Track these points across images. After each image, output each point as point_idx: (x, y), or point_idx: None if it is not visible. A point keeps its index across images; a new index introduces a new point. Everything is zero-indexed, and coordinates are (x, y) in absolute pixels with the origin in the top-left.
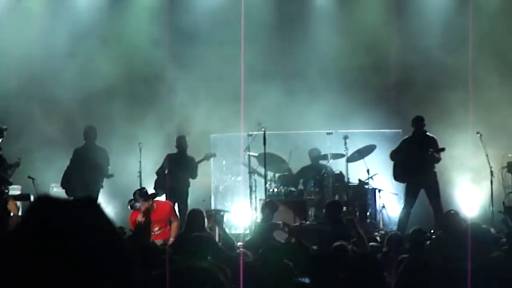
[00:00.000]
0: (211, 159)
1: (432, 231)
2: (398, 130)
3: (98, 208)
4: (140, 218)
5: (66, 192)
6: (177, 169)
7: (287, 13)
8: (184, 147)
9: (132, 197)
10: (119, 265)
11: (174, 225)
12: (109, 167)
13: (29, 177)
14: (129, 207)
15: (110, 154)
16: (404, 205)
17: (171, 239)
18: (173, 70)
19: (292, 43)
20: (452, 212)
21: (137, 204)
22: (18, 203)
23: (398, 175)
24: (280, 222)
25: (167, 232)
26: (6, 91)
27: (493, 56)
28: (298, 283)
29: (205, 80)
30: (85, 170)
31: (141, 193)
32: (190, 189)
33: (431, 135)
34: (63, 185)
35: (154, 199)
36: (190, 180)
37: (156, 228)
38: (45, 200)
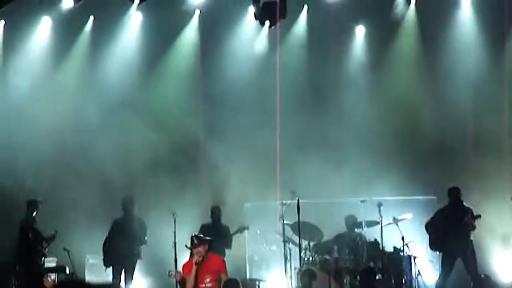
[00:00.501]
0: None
1: None
2: (432, 197)
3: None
4: (197, 258)
5: (104, 263)
6: (212, 239)
7: (320, 80)
8: (219, 216)
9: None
10: None
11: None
12: (146, 237)
13: (64, 249)
14: (185, 247)
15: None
16: (441, 274)
17: None
18: (209, 139)
19: (326, 110)
20: (483, 276)
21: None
22: (53, 275)
23: (434, 245)
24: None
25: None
26: (40, 161)
27: None
28: None
29: (240, 149)
30: (124, 240)
31: (197, 236)
32: (225, 259)
33: (467, 205)
34: (103, 254)
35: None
36: (226, 250)
37: (208, 280)
38: (69, 284)
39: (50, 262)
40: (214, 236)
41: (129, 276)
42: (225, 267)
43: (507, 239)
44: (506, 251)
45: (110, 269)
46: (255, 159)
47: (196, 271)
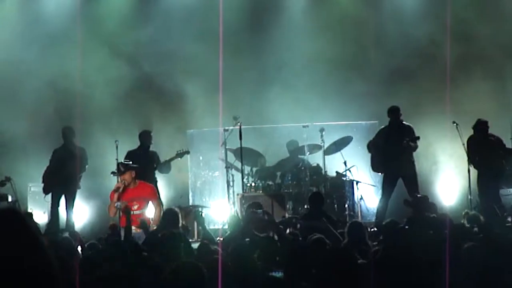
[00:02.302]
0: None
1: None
2: (374, 121)
3: (18, 217)
4: (119, 184)
5: (43, 190)
6: (139, 165)
7: (263, 5)
8: (146, 143)
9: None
10: (38, 276)
11: (157, 211)
12: (86, 165)
13: (6, 177)
14: (111, 175)
15: (88, 151)
16: (382, 196)
17: (153, 225)
18: (152, 64)
19: (270, 35)
20: (420, 196)
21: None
22: None
23: (375, 166)
24: (260, 210)
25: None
26: None
27: (468, 46)
28: (270, 277)
29: (183, 75)
30: (63, 168)
31: (124, 163)
32: (166, 185)
33: (407, 123)
34: (42, 182)
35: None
36: (162, 175)
37: (135, 207)
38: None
39: None
40: (140, 162)
41: (70, 203)
42: (156, 195)
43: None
44: (449, 175)
45: (49, 197)
46: (197, 86)
47: (119, 198)
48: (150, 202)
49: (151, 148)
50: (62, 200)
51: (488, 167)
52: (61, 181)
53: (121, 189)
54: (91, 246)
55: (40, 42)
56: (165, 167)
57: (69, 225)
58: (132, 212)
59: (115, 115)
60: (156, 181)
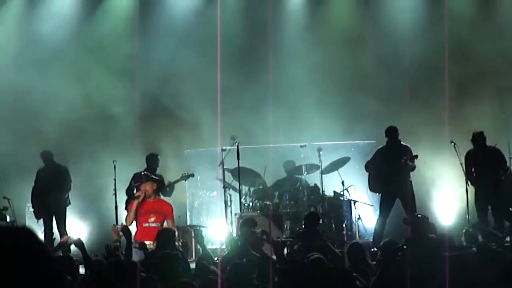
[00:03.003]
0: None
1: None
2: (372, 141)
3: (28, 233)
4: (139, 193)
5: (35, 215)
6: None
7: (261, 27)
8: (153, 166)
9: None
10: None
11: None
12: (71, 183)
13: (4, 197)
14: (134, 186)
15: (87, 172)
16: (379, 216)
17: None
18: (148, 84)
19: (266, 56)
20: (419, 216)
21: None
22: None
23: (372, 186)
24: (259, 230)
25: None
26: None
27: (466, 65)
28: None
29: (178, 97)
30: (47, 190)
31: (147, 174)
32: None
33: (404, 144)
34: (32, 207)
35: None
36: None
37: (152, 219)
38: None
39: None
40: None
41: (61, 223)
42: (173, 215)
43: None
44: (446, 194)
45: (41, 221)
46: (195, 106)
47: (137, 207)
48: (166, 220)
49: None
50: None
51: (485, 180)
52: (48, 202)
53: (140, 198)
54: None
55: (37, 63)
56: (170, 189)
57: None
58: (148, 225)
59: (112, 136)
60: None
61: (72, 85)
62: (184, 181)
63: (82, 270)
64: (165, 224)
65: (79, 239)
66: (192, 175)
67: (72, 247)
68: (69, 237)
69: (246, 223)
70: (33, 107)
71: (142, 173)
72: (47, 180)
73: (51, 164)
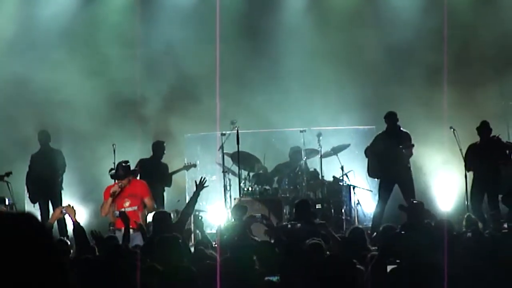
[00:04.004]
0: (185, 161)
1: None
2: (371, 127)
3: (33, 221)
4: (116, 188)
5: (30, 199)
6: (150, 176)
7: (261, 10)
8: (158, 153)
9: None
10: (52, 278)
11: (149, 205)
12: (65, 167)
13: (3, 180)
14: (109, 175)
15: (86, 155)
16: (378, 201)
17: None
18: (145, 71)
19: (266, 40)
20: (415, 202)
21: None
22: None
23: (372, 171)
24: (259, 215)
25: (137, 213)
26: None
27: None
28: (266, 282)
29: (179, 79)
30: (42, 173)
31: (125, 166)
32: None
33: (404, 130)
34: (27, 191)
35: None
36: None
37: (127, 204)
38: None
39: None
40: (152, 173)
41: (56, 207)
42: (149, 192)
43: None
44: (446, 181)
45: (37, 205)
46: (194, 90)
47: (113, 201)
48: (143, 199)
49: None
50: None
51: (484, 169)
52: (43, 186)
53: (116, 193)
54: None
55: (40, 46)
56: (170, 179)
57: (61, 227)
58: (124, 209)
59: (112, 120)
60: (163, 192)
61: (68, 70)
62: (186, 170)
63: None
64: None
65: (69, 205)
66: (195, 165)
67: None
68: (61, 208)
69: (237, 209)
70: (39, 89)
71: (120, 163)
72: (42, 164)
73: (45, 147)
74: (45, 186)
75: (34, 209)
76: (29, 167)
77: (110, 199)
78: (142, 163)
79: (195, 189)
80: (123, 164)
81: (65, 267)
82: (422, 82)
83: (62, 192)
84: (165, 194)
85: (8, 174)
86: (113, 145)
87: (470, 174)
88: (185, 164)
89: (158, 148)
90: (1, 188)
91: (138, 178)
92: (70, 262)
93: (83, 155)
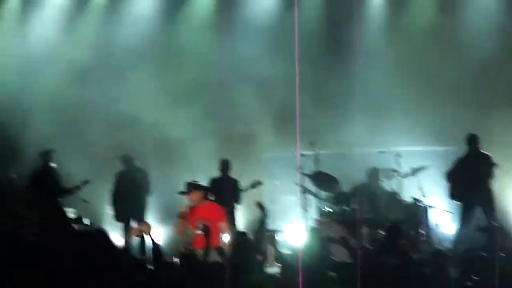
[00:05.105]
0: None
1: None
2: (451, 147)
3: (104, 236)
4: (184, 209)
5: (115, 218)
6: (219, 193)
7: (341, 32)
8: (226, 169)
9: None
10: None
11: (223, 230)
12: (150, 188)
13: (84, 200)
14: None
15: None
16: (460, 224)
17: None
18: (228, 90)
19: (347, 59)
20: (494, 225)
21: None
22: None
23: (453, 194)
24: (338, 236)
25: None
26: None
27: None
28: None
29: (259, 99)
30: (128, 194)
31: (193, 185)
32: (242, 210)
33: (485, 152)
34: (112, 210)
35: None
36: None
37: (199, 226)
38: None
39: (69, 214)
40: (222, 190)
41: None
42: (224, 216)
43: None
44: None
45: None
46: (274, 110)
47: (186, 217)
48: (217, 223)
49: (232, 176)
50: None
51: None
52: (129, 207)
53: (185, 213)
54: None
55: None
56: (238, 196)
57: (141, 246)
58: (195, 232)
59: (190, 141)
60: (233, 209)
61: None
62: (253, 188)
63: None
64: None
65: (145, 222)
66: (260, 183)
67: None
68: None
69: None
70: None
71: (189, 182)
72: (126, 184)
73: (131, 168)
74: (130, 208)
75: (115, 228)
76: (114, 186)
77: (180, 219)
78: (212, 181)
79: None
80: (192, 183)
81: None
82: (502, 104)
83: (146, 212)
84: (236, 212)
85: (85, 182)
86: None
87: None
88: (251, 182)
89: (224, 166)
90: (80, 208)
91: (210, 198)
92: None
93: (166, 175)
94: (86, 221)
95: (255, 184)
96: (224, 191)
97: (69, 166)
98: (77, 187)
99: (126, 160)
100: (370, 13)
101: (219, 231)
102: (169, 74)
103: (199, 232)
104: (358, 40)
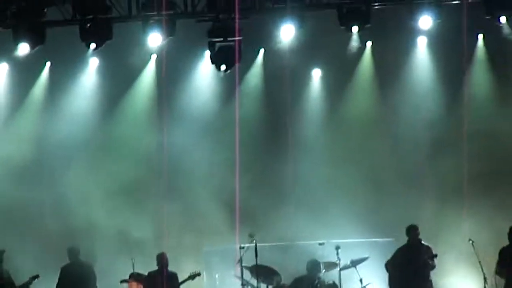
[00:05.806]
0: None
1: None
2: (390, 239)
3: None
4: None
5: None
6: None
7: (278, 121)
8: (163, 264)
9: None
10: None
11: None
12: (96, 282)
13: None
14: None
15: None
16: None
17: None
18: (164, 182)
19: (284, 153)
20: None
21: None
22: None
23: (393, 284)
24: None
25: None
26: None
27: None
28: None
29: (197, 192)
30: (74, 287)
31: (133, 274)
32: None
33: (425, 243)
34: None
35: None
36: None
37: None
38: None
39: None
40: (161, 284)
41: None
42: None
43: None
44: None
45: None
46: (213, 203)
47: None
48: None
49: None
50: None
51: None
52: None
53: None
54: None
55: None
56: None
57: None
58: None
59: (131, 233)
60: None
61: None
62: (191, 280)
63: None
64: None
65: None
66: (199, 274)
67: None
68: None
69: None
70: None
71: (131, 273)
72: (72, 278)
73: (76, 261)
74: None
75: None
76: (58, 280)
77: None
78: (149, 276)
79: None
80: (133, 274)
81: None
82: (441, 193)
83: None
84: None
85: (35, 277)
86: (132, 259)
87: (488, 286)
88: (190, 274)
89: (162, 259)
90: None
91: None
92: None
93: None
94: None
95: (194, 276)
96: (161, 285)
97: (17, 262)
98: (27, 283)
99: (72, 252)
100: (309, 105)
101: None
102: (105, 169)
103: None
104: (297, 131)
